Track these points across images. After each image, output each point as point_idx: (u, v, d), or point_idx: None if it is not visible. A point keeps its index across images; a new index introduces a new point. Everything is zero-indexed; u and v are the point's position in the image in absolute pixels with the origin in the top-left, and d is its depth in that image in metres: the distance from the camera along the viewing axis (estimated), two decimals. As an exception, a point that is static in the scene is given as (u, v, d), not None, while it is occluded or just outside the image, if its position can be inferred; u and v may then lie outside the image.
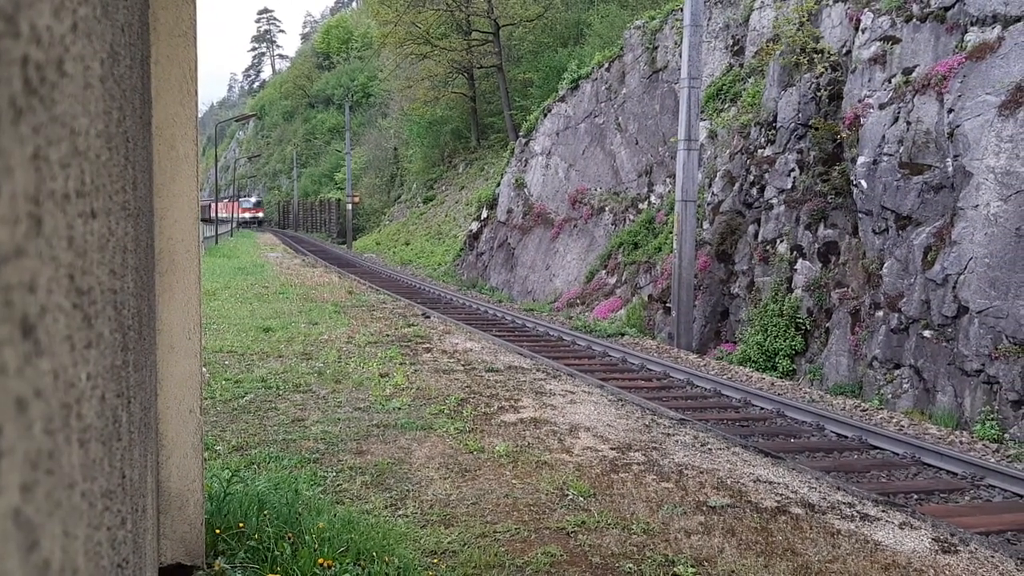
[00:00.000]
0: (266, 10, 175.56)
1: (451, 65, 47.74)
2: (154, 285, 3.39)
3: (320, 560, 4.21)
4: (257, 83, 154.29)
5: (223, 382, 9.23)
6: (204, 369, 4.41)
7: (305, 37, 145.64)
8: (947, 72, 12.50)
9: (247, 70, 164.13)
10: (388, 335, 13.27)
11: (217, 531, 4.36)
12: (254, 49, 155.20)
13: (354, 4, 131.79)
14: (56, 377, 0.92)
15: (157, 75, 3.51)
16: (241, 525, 4.48)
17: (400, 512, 5.44)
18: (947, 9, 13.11)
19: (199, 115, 3.90)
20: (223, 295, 17.96)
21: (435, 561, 4.67)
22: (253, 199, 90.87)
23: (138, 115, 2.29)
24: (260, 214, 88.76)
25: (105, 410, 1.30)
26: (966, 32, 12.70)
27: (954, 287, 11.73)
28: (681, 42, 18.46)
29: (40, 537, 0.83)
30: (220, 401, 8.39)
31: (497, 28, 44.47)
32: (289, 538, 4.40)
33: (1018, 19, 11.77)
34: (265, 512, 4.66)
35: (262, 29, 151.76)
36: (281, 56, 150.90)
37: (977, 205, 11.59)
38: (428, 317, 16.81)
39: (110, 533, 1.32)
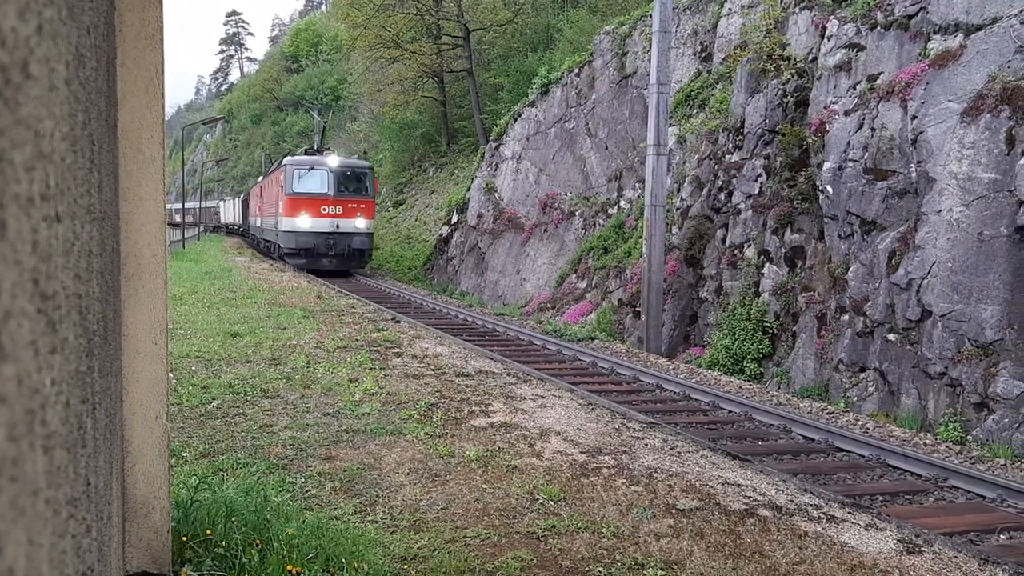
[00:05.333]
0: (234, 12, 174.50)
1: (421, 69, 47.67)
2: (120, 290, 3.35)
3: (289, 567, 4.17)
4: (225, 86, 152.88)
5: (190, 388, 9.12)
6: (171, 374, 4.36)
7: (274, 40, 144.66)
8: (911, 79, 12.71)
9: (215, 73, 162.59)
10: (357, 340, 13.20)
11: (184, 539, 4.31)
12: (222, 52, 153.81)
13: (323, 7, 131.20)
14: (20, 383, 0.91)
15: (123, 78, 3.47)
16: (209, 532, 4.43)
17: (370, 518, 5.41)
18: (911, 17, 13.33)
19: (166, 118, 3.86)
20: (190, 300, 17.76)
21: (405, 567, 4.65)
22: (334, 160, 32.58)
23: (104, 118, 2.27)
24: (364, 222, 31.94)
25: (70, 416, 1.28)
26: (929, 40, 12.92)
27: (918, 291, 11.91)
28: (650, 48, 18.59)
29: (4, 545, 0.82)
30: (187, 407, 8.30)
31: (467, 32, 44.50)
32: (257, 545, 4.36)
33: (979, 27, 12.00)
34: (233, 519, 4.62)
35: (230, 32, 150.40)
36: (249, 59, 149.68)
37: (940, 210, 11.78)
38: (398, 322, 16.75)
39: (75, 541, 1.31)
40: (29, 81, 0.96)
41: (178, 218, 62.11)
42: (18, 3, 0.90)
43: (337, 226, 30.91)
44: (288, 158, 34.11)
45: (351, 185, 31.86)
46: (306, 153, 36.23)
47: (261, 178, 47.31)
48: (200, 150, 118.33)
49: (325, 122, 36.70)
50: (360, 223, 31.41)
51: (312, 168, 31.47)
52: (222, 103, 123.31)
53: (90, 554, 1.56)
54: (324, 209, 30.75)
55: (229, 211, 69.15)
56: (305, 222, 30.63)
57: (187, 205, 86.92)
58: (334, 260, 31.20)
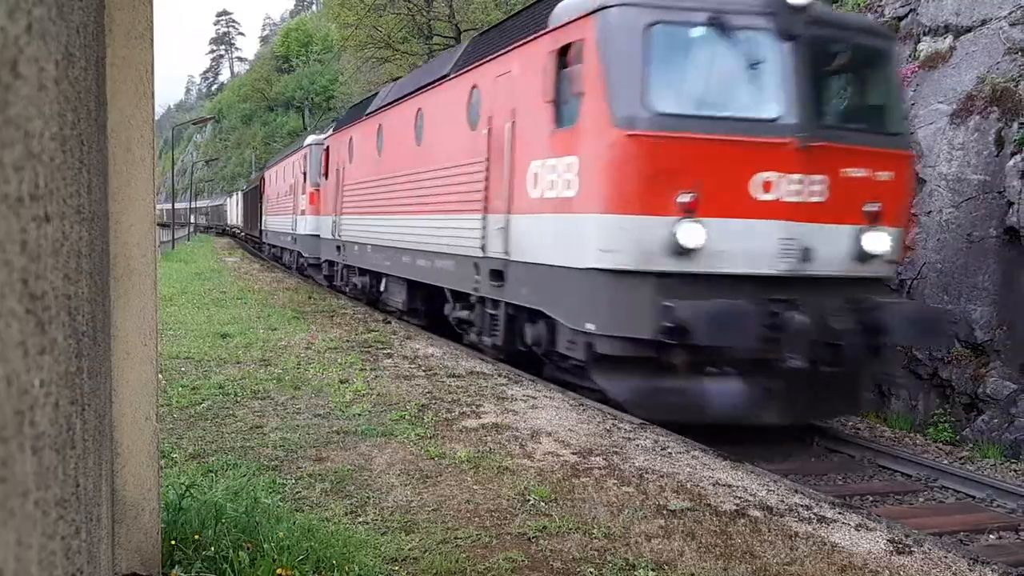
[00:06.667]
0: (225, 12, 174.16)
1: (413, 69, 47.62)
2: (109, 290, 3.34)
3: (279, 570, 4.16)
4: (215, 86, 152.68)
5: (180, 389, 9.09)
6: (160, 376, 4.35)
7: (264, 40, 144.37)
8: (901, 81, 12.76)
9: (205, 73, 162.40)
10: (348, 340, 13.17)
11: (173, 541, 4.29)
12: (212, 51, 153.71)
13: (314, 7, 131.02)
14: (9, 384, 0.91)
15: (113, 77, 3.46)
16: (198, 535, 4.41)
17: (360, 519, 5.40)
18: (901, 19, 13.38)
19: (156, 118, 3.84)
20: (180, 300, 17.70)
21: (396, 568, 4.64)
22: None
23: (93, 118, 2.26)
24: (885, 238, 7.87)
25: (59, 417, 1.28)
26: (919, 42, 12.98)
27: (908, 292, 11.95)
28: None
29: (-8, 547, 0.81)
30: (177, 408, 8.27)
31: (459, 33, 44.43)
32: (247, 547, 4.35)
33: (969, 29, 12.05)
34: (223, 521, 4.60)
35: (220, 31, 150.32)
36: (240, 59, 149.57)
37: (930, 211, 11.83)
38: (389, 322, 16.72)
39: (64, 543, 1.30)
40: (19, 80, 0.95)
41: (193, 217, 58.63)
42: (8, 2, 0.90)
43: (806, 253, 7.76)
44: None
45: (852, 106, 9.11)
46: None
47: (335, 127, 22.94)
48: (190, 150, 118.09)
49: None
50: (873, 242, 8.18)
51: (721, 23, 7.52)
52: (212, 103, 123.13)
53: (79, 556, 1.56)
54: (769, 184, 7.48)
55: (235, 210, 58.38)
56: (694, 235, 7.57)
57: (195, 204, 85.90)
58: (798, 385, 8.08)
